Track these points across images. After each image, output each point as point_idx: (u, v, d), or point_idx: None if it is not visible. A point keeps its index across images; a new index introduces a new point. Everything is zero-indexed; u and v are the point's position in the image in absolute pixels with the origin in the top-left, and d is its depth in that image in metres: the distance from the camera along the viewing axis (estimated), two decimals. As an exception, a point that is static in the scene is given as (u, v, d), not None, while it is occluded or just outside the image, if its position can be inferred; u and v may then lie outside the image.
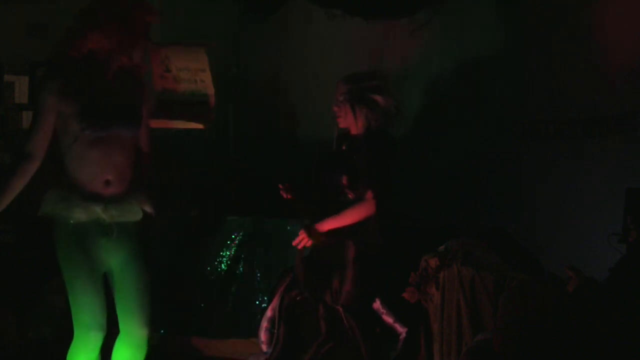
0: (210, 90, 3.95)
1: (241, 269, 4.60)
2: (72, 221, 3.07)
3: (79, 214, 3.06)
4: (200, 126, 4.00)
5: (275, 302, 3.71)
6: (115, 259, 3.14)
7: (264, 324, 3.74)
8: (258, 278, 4.57)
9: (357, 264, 3.58)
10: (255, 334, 4.53)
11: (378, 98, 3.62)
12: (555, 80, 4.69)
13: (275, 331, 3.66)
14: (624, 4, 4.32)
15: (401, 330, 3.60)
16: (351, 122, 3.68)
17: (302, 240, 3.54)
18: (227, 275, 4.60)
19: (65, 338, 4.02)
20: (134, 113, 3.16)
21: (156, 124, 3.97)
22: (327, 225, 3.57)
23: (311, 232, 3.54)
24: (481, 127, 5.04)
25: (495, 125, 4.97)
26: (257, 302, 4.55)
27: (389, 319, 3.62)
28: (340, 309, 3.57)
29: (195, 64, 3.88)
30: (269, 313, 3.74)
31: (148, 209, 3.21)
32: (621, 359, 2.64)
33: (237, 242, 4.60)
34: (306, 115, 5.32)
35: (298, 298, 3.66)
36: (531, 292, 3.05)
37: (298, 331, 3.63)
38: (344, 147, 3.73)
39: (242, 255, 4.59)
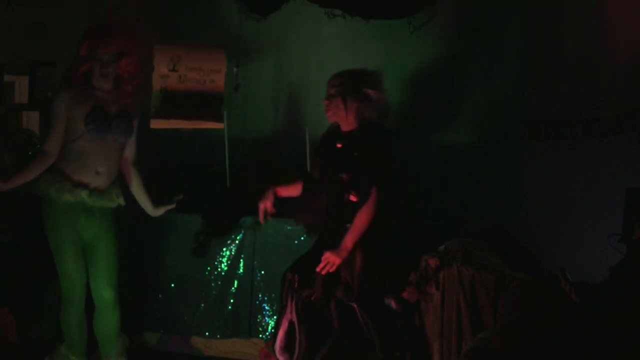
0: (220, 91, 3.93)
1: (241, 269, 4.60)
2: (61, 201, 3.71)
3: (68, 197, 3.73)
4: (211, 126, 3.99)
5: (289, 309, 3.66)
6: (90, 234, 3.83)
7: (280, 333, 3.68)
8: (258, 278, 4.56)
9: (368, 259, 3.56)
10: (255, 334, 4.56)
11: (370, 92, 3.60)
12: (556, 80, 4.69)
13: (297, 336, 3.62)
14: (624, 3, 4.32)
15: (396, 306, 3.62)
16: (342, 115, 3.65)
17: (327, 265, 3.50)
18: (227, 275, 4.60)
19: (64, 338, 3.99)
20: (129, 122, 3.82)
21: (163, 124, 3.98)
22: (350, 241, 3.51)
23: (339, 254, 3.50)
24: (481, 126, 5.03)
25: (496, 125, 4.97)
26: (257, 302, 4.55)
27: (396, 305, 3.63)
28: (355, 306, 3.55)
29: (210, 65, 3.86)
30: (284, 323, 3.68)
31: (121, 201, 3.91)
32: (621, 359, 2.64)
33: (237, 242, 4.60)
34: (306, 115, 5.31)
35: (312, 298, 3.62)
36: (531, 292, 3.06)
37: (316, 331, 3.61)
38: (339, 145, 3.70)
39: (242, 255, 4.59)
